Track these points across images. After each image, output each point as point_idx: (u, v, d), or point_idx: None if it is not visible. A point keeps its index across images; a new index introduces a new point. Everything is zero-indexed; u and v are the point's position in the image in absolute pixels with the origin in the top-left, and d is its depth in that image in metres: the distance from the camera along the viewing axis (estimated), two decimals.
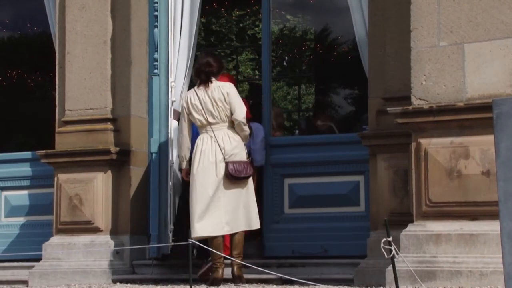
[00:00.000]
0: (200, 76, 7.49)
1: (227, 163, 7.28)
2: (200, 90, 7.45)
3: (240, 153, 7.41)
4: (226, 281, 7.73)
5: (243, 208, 7.36)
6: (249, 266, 7.13)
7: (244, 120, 7.42)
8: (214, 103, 7.38)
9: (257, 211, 7.48)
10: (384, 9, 7.57)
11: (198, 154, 7.37)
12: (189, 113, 7.47)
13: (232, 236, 7.37)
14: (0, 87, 11.46)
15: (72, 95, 8.60)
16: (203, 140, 7.40)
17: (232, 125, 7.43)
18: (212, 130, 7.38)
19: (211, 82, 7.45)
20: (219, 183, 7.29)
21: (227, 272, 7.44)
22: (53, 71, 8.93)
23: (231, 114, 7.38)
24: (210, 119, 7.39)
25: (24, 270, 8.67)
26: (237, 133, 7.43)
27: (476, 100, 6.43)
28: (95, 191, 8.39)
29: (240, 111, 7.38)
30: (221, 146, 7.33)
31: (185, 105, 7.50)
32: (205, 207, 7.26)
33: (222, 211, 7.30)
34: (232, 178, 7.28)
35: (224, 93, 7.38)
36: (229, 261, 7.33)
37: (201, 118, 7.42)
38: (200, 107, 7.40)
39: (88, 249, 8.30)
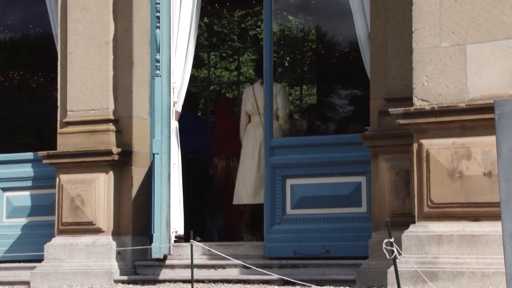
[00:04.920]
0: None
1: None
2: (257, 86, 9.04)
3: None
4: (227, 281, 7.74)
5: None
6: (251, 267, 7.13)
7: (287, 116, 9.01)
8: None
9: None
10: (385, 10, 7.57)
11: (246, 138, 9.11)
12: (244, 103, 9.15)
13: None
14: (2, 88, 11.46)
15: (74, 96, 8.61)
16: (250, 126, 9.09)
17: (276, 117, 8.79)
18: (260, 118, 8.87)
19: None
20: (258, 161, 8.95)
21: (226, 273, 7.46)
22: (55, 72, 8.93)
23: (277, 108, 8.80)
24: (261, 110, 8.79)
25: (26, 270, 8.68)
26: (279, 125, 8.86)
27: (478, 101, 6.43)
28: (97, 192, 8.39)
29: (285, 108, 8.97)
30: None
31: (243, 96, 9.27)
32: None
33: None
34: None
35: (276, 91, 8.68)
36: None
37: (251, 107, 9.10)
38: (253, 98, 9.04)
39: (90, 249, 8.30)
